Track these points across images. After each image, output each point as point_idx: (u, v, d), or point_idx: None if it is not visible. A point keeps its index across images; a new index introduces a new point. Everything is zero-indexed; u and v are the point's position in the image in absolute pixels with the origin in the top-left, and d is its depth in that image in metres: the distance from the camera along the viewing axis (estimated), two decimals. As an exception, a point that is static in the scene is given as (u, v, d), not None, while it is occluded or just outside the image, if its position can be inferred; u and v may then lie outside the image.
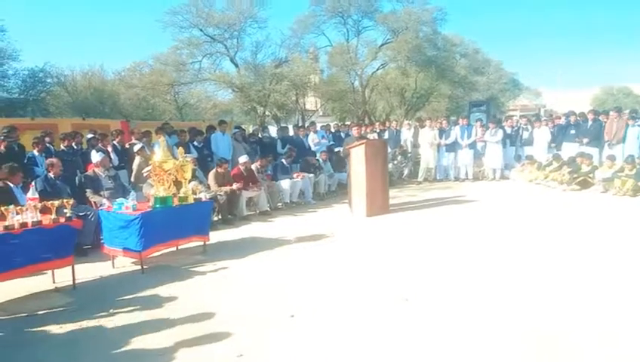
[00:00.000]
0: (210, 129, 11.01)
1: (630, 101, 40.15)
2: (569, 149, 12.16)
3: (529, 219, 8.05)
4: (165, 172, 5.94)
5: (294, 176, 10.20)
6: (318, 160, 11.43)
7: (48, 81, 17.91)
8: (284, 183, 9.81)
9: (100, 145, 8.53)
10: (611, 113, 11.93)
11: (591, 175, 10.92)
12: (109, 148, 8.57)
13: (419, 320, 3.97)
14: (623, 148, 11.30)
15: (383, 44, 18.30)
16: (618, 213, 8.32)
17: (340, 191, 11.26)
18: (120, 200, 5.99)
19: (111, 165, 7.73)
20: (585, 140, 11.84)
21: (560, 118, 13.79)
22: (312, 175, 10.67)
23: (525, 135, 13.41)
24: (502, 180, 12.96)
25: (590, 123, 12.10)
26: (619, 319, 3.85)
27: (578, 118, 12.63)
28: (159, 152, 6.07)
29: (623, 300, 4.25)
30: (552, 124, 13.35)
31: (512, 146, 13.43)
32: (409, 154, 13.95)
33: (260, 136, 12.48)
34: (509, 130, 13.45)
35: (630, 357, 3.24)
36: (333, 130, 14.23)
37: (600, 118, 12.11)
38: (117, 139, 9.01)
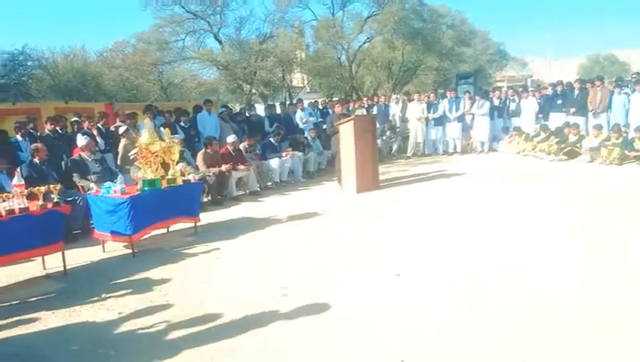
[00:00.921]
0: (197, 108, 10.87)
1: (616, 69, 40.35)
2: (556, 119, 12.21)
3: (516, 189, 8.11)
4: (152, 154, 5.88)
5: (284, 154, 10.15)
6: (306, 138, 11.38)
7: (29, 64, 17.45)
8: (273, 162, 9.76)
9: (85, 127, 8.40)
10: (595, 82, 11.94)
11: (578, 145, 10.99)
12: (94, 132, 8.44)
13: (410, 294, 4.01)
14: (608, 116, 11.35)
15: (368, 17, 18.04)
16: (603, 182, 8.39)
17: (330, 168, 11.23)
18: (108, 184, 5.94)
19: (97, 149, 7.63)
20: (572, 110, 11.87)
21: (547, 88, 13.81)
22: (301, 153, 10.63)
23: (512, 106, 13.43)
24: (490, 153, 13.00)
25: (577, 92, 12.12)
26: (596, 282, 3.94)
27: (565, 88, 12.64)
28: (145, 134, 5.99)
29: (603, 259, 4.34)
30: (539, 95, 13.36)
31: (499, 118, 13.45)
32: (398, 129, 13.91)
33: (247, 114, 12.33)
34: (496, 102, 13.45)
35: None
36: (320, 106, 14.11)
37: (586, 87, 12.13)
38: (101, 122, 8.86)
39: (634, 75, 12.95)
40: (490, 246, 5.18)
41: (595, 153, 10.44)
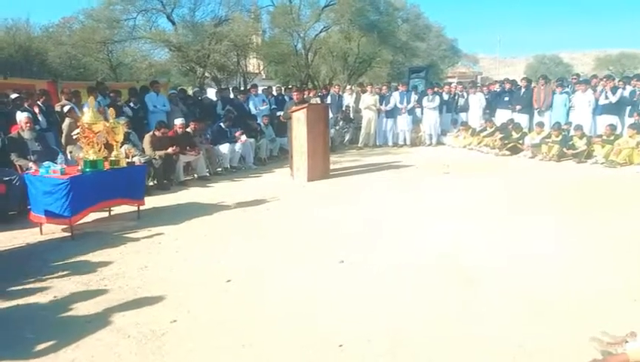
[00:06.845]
0: (144, 89, 10.60)
1: (560, 70, 42.09)
2: (502, 115, 12.67)
3: (460, 181, 8.38)
4: (95, 134, 5.69)
5: (236, 134, 10.02)
6: (259, 124, 11.30)
7: (-34, 35, 16.50)
8: (223, 148, 9.65)
9: (26, 105, 8.01)
10: (540, 81, 12.49)
11: (520, 141, 11.45)
12: (36, 110, 8.07)
13: (352, 281, 4.10)
14: (550, 114, 11.87)
15: (326, 6, 18.02)
16: (541, 176, 8.77)
17: (282, 155, 11.22)
18: (47, 163, 5.70)
19: (38, 127, 7.31)
20: (518, 107, 12.35)
21: (495, 85, 14.28)
22: (253, 139, 10.55)
23: (461, 102, 13.80)
24: (438, 146, 13.33)
25: (523, 90, 12.60)
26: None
27: (512, 86, 13.13)
28: (88, 113, 5.78)
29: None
30: (486, 90, 13.81)
31: (448, 113, 13.80)
32: (351, 120, 14.02)
33: (199, 97, 12.11)
34: (446, 97, 13.79)
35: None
36: (275, 93, 14.02)
37: (532, 85, 12.64)
38: (41, 100, 8.44)
39: (574, 77, 13.59)
40: (433, 234, 5.34)
41: (536, 149, 10.92)
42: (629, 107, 10.70)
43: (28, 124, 6.71)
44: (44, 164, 5.74)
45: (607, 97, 10.95)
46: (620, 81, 11.83)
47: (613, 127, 10.20)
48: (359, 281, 4.08)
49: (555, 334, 3.12)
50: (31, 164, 6.31)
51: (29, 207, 5.77)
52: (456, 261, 4.49)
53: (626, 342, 2.79)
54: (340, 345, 3.06)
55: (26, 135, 6.68)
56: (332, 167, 9.43)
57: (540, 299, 3.63)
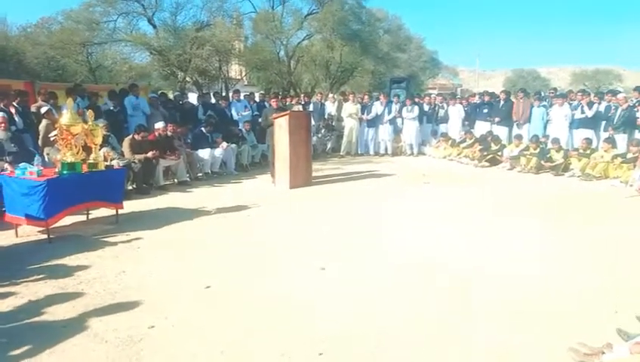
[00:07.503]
0: (123, 92, 10.48)
1: (538, 84, 43.07)
2: (481, 127, 12.84)
3: (439, 191, 8.46)
4: (73, 136, 5.59)
5: (217, 140, 9.95)
6: (241, 130, 11.25)
7: (-58, 34, 16.12)
8: (204, 153, 9.57)
9: (1, 105, 7.82)
10: (518, 94, 12.72)
11: (499, 153, 11.63)
12: (12, 110, 7.89)
13: (333, 287, 4.09)
14: (528, 127, 12.08)
15: (308, 15, 18.14)
16: (520, 188, 8.91)
17: (264, 162, 11.17)
18: (23, 165, 5.58)
19: (14, 128, 7.15)
20: (497, 119, 12.54)
21: (474, 97, 14.49)
22: (234, 145, 10.49)
23: (441, 113, 13.96)
24: (419, 156, 13.44)
25: (502, 103, 12.80)
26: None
27: (491, 98, 13.35)
28: (67, 115, 5.68)
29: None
30: (465, 102, 14.01)
31: (428, 123, 13.93)
32: (333, 128, 14.05)
33: (180, 102, 12.01)
34: (426, 108, 13.92)
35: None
36: (257, 99, 13.99)
37: (511, 98, 12.85)
38: (17, 100, 8.24)
39: (551, 91, 13.88)
40: (414, 241, 5.36)
41: (514, 161, 11.09)
42: (604, 122, 10.97)
43: (3, 125, 6.58)
44: (20, 165, 5.63)
45: (583, 112, 11.21)
46: (595, 96, 12.12)
47: (589, 141, 10.44)
48: (340, 286, 4.07)
49: (537, 335, 3.16)
50: (6, 165, 6.18)
51: (3, 209, 5.64)
52: (439, 268, 4.50)
53: (603, 353, 2.83)
54: (320, 354, 3.03)
55: (1, 135, 6.55)
56: (314, 174, 9.42)
57: (520, 301, 3.67)
